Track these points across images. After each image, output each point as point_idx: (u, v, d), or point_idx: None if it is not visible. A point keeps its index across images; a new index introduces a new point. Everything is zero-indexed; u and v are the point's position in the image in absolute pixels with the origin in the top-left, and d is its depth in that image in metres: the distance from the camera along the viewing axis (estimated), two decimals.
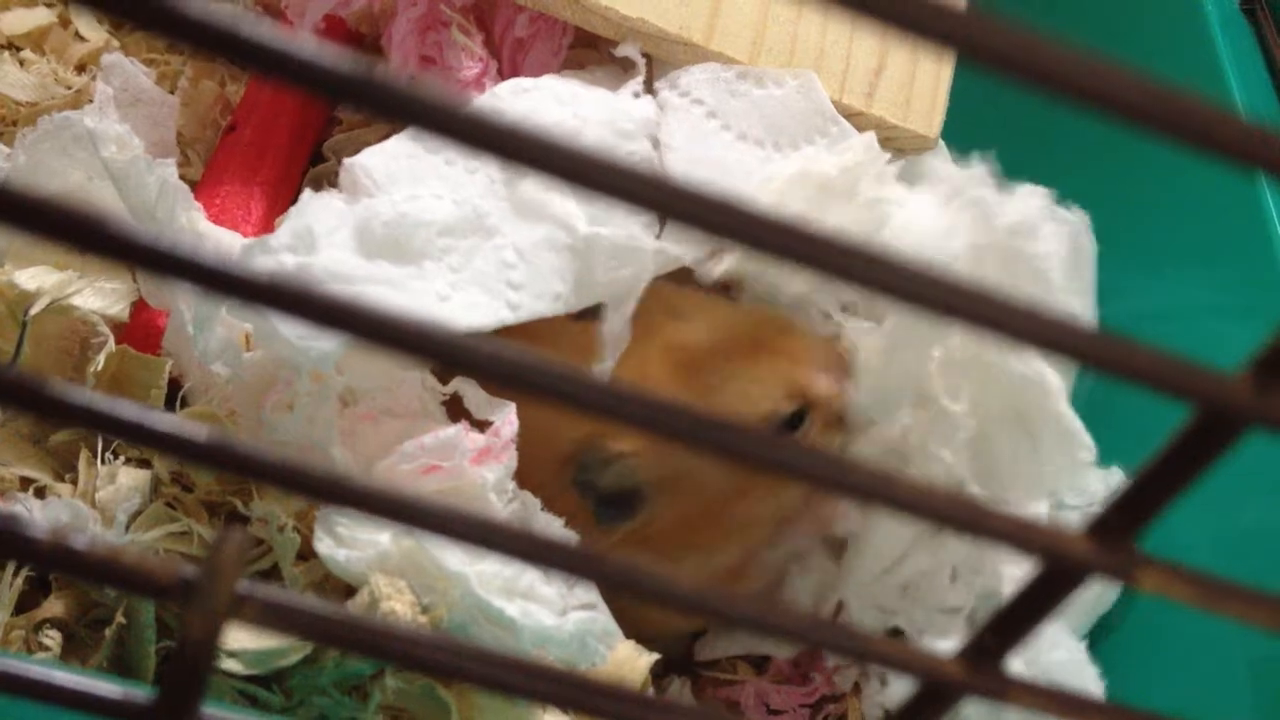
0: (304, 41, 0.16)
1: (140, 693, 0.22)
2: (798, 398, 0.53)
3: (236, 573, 0.20)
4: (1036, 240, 0.53)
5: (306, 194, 0.49)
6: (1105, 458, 0.59)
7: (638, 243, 0.52)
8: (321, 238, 0.47)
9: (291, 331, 0.45)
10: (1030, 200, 0.54)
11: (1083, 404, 0.55)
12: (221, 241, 0.53)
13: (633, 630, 0.50)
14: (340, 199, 0.50)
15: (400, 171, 0.51)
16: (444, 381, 0.51)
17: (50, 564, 0.19)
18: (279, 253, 0.47)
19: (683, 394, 0.52)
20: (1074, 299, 0.57)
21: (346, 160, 0.52)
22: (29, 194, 0.16)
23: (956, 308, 0.17)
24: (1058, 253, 0.54)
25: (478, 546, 0.20)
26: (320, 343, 0.45)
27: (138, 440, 0.19)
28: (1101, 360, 0.18)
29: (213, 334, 0.47)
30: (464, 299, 0.49)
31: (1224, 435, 0.19)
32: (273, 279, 0.17)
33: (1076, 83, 0.17)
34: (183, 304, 0.49)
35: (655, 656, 0.49)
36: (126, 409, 0.19)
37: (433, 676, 0.44)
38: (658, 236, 0.55)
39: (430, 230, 0.49)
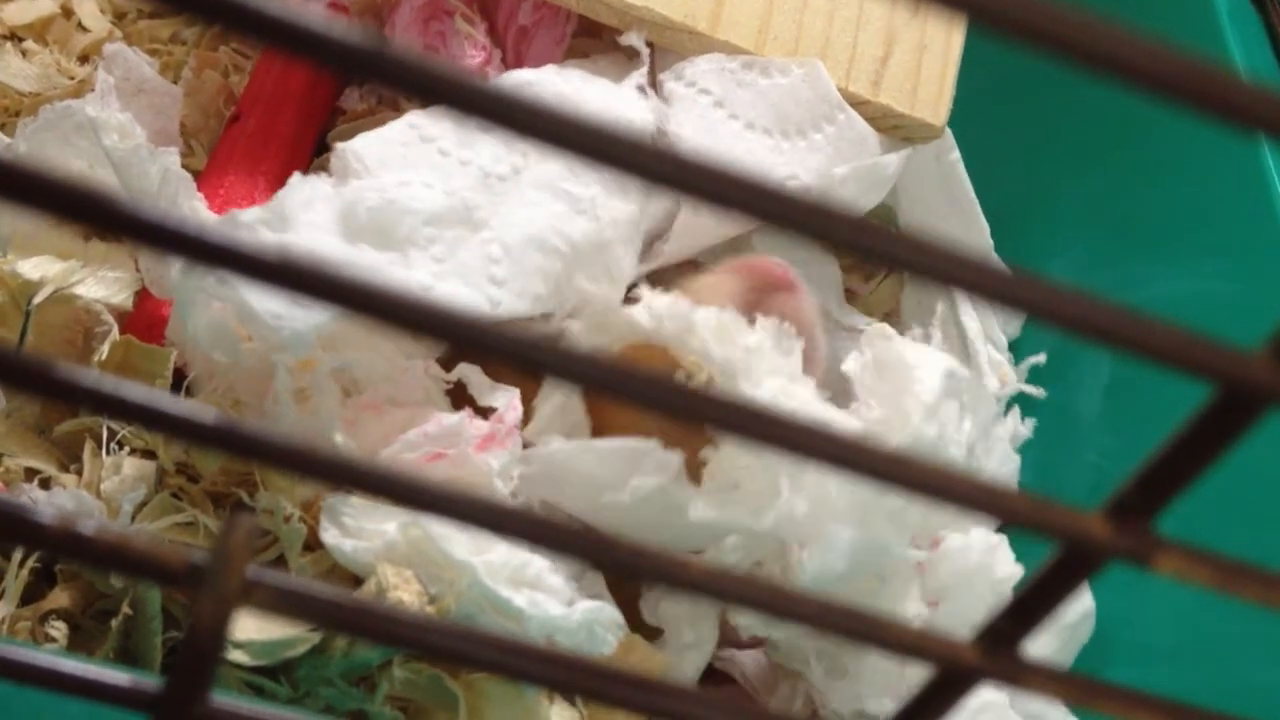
0: (316, 15, 0.15)
1: (149, 681, 0.22)
2: None
3: (246, 558, 0.20)
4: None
5: (295, 177, 0.49)
6: (1125, 440, 0.59)
7: (617, 258, 0.52)
8: (296, 214, 0.47)
9: (266, 310, 0.44)
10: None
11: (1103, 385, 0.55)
12: None
13: None
14: (328, 183, 0.49)
15: (392, 157, 0.51)
16: (447, 370, 0.51)
17: (59, 550, 0.19)
18: (253, 227, 0.46)
19: None
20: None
21: (339, 145, 0.51)
22: (35, 171, 0.16)
23: (970, 281, 0.17)
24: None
25: (490, 530, 0.20)
26: (295, 323, 0.45)
27: (146, 423, 0.19)
28: (1122, 339, 0.18)
29: (200, 319, 0.47)
30: (446, 290, 0.49)
31: (1244, 415, 0.19)
32: (282, 255, 0.17)
33: (1089, 47, 0.17)
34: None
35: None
36: (134, 391, 0.19)
37: (444, 663, 0.44)
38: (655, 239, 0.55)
39: (416, 219, 0.49)
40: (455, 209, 0.50)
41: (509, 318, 0.50)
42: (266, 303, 0.44)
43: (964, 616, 0.51)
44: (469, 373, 0.49)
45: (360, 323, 0.17)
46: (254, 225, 0.46)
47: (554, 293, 0.51)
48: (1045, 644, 0.54)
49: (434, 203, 0.49)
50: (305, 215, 0.47)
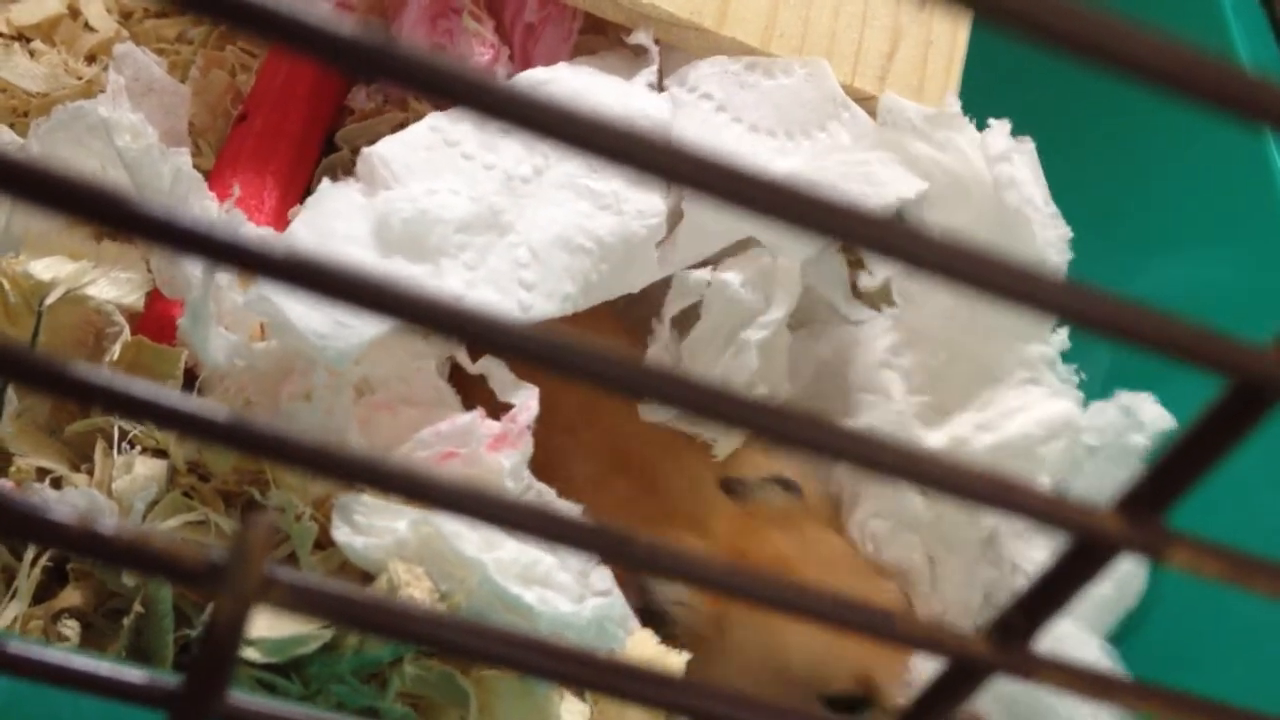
0: (323, 13, 0.15)
1: (166, 679, 0.22)
2: (864, 685, 0.52)
3: (264, 556, 0.20)
4: (1014, 167, 0.55)
5: (325, 184, 0.49)
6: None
7: (646, 251, 0.53)
8: (333, 227, 0.47)
9: (309, 329, 0.45)
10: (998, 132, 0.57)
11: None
12: None
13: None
14: (357, 190, 0.50)
15: (418, 163, 0.51)
16: (459, 369, 0.51)
17: (78, 549, 0.19)
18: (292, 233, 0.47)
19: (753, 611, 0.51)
20: (1052, 224, 0.58)
21: (365, 150, 0.51)
22: (50, 171, 0.16)
23: (982, 280, 0.17)
24: (1034, 178, 0.56)
25: (501, 526, 0.20)
26: (337, 342, 0.45)
27: (158, 421, 0.19)
28: (1134, 333, 0.18)
29: (216, 343, 0.47)
30: (478, 297, 0.49)
31: (1255, 410, 0.19)
32: (289, 253, 0.17)
33: (1093, 42, 0.17)
34: (196, 295, 0.49)
35: (687, 656, 0.48)
36: (146, 390, 0.19)
37: (458, 659, 0.44)
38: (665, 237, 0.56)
39: (448, 228, 0.49)
40: (482, 215, 0.50)
41: (541, 319, 0.50)
42: (310, 322, 0.45)
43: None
44: (492, 366, 0.49)
45: (371, 317, 0.17)
46: (298, 236, 0.47)
47: (583, 291, 0.52)
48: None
49: (462, 210, 0.50)
50: (342, 228, 0.47)
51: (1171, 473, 0.20)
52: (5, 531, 0.19)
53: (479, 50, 0.59)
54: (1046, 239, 0.56)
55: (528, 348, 0.18)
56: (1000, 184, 0.55)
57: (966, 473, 0.19)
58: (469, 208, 0.50)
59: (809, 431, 0.18)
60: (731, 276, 0.55)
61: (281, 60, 0.62)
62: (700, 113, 0.57)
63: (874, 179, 0.55)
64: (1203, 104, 0.17)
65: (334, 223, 0.47)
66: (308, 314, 0.45)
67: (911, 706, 0.24)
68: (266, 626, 0.43)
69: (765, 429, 0.18)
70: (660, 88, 0.57)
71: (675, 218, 0.55)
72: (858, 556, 0.56)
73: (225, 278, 0.48)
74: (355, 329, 0.45)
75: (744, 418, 0.18)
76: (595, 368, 0.17)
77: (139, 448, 0.48)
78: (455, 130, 0.52)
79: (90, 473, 0.48)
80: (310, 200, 0.49)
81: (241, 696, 0.22)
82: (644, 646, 0.47)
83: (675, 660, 0.47)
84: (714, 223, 0.55)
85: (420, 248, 0.48)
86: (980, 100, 0.63)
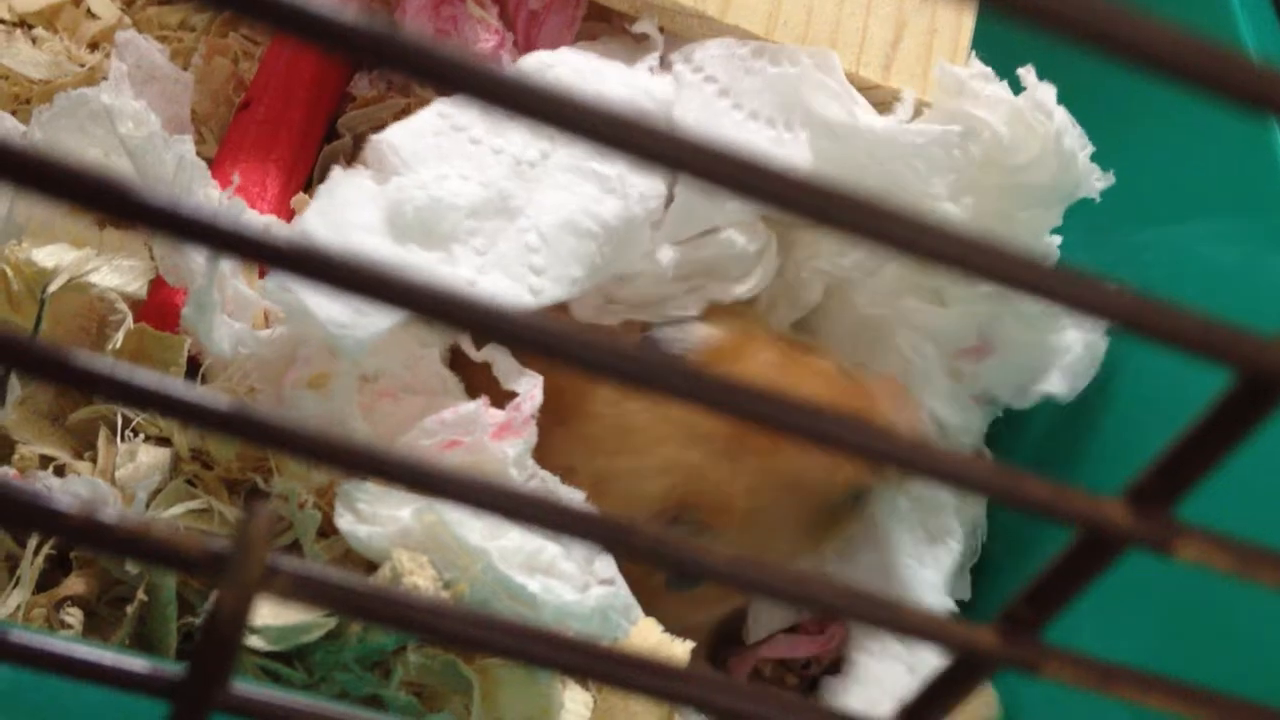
0: (327, 2, 0.15)
1: (169, 668, 0.22)
2: (856, 487, 0.55)
3: (267, 546, 0.20)
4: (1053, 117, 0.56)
5: (336, 171, 0.49)
6: (1140, 427, 0.59)
7: (642, 231, 0.53)
8: (346, 217, 0.48)
9: (329, 318, 0.45)
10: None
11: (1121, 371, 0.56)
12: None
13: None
14: (369, 177, 0.50)
15: (426, 149, 0.51)
16: (459, 358, 0.51)
17: (80, 538, 0.19)
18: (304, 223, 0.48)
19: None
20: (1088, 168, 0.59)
21: (373, 137, 0.51)
22: (52, 159, 0.16)
23: (992, 270, 0.17)
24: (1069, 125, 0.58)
25: (509, 519, 0.20)
26: (356, 331, 0.45)
27: (161, 410, 0.19)
28: (1140, 324, 0.18)
29: (221, 330, 0.47)
30: (489, 283, 0.49)
31: (1264, 402, 0.19)
32: (292, 242, 0.17)
33: (1099, 29, 0.17)
34: (200, 283, 0.48)
35: (691, 644, 0.48)
36: (149, 379, 0.19)
37: (462, 649, 0.44)
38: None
39: (459, 214, 0.49)
40: (492, 200, 0.50)
41: (550, 303, 0.51)
42: (329, 311, 0.44)
43: None
44: (496, 355, 0.49)
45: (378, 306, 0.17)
46: (312, 225, 0.47)
47: (589, 274, 0.52)
48: None
49: (473, 195, 0.50)
50: (355, 217, 0.47)
51: (1180, 465, 0.20)
52: (8, 521, 0.19)
53: (483, 37, 0.59)
54: (1089, 171, 0.59)
55: (537, 339, 0.18)
56: (1060, 130, 0.57)
57: (979, 466, 0.19)
58: (479, 193, 0.50)
59: (815, 423, 0.18)
60: (740, 239, 0.57)
61: (284, 48, 0.62)
62: (703, 95, 0.57)
63: (918, 174, 0.57)
64: (1207, 92, 0.17)
65: (347, 212, 0.47)
66: (327, 304, 0.44)
67: (918, 698, 0.24)
68: (270, 614, 0.43)
69: (775, 421, 0.18)
70: (665, 65, 0.57)
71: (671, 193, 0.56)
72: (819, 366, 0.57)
73: (229, 266, 0.48)
74: (373, 318, 0.45)
75: (742, 406, 0.17)
76: (611, 361, 0.17)
77: (142, 435, 0.48)
78: (462, 116, 0.52)
79: (93, 461, 0.48)
80: (322, 189, 0.49)
81: (244, 686, 0.22)
82: (648, 635, 0.47)
83: (679, 649, 0.47)
84: (703, 203, 0.56)
85: (433, 235, 0.48)
86: None
